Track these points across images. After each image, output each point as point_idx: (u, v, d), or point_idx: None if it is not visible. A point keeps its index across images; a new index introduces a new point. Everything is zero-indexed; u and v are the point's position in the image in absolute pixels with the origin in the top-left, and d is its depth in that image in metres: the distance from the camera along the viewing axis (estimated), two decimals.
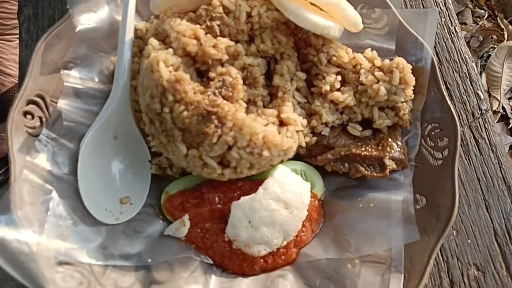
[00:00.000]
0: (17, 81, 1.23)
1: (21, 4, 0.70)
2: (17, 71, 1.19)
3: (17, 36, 1.19)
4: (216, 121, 0.50)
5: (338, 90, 0.59)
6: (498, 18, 1.86)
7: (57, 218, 0.52)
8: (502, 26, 1.83)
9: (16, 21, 1.14)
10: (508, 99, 1.72)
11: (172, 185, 0.60)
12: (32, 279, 0.47)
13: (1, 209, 0.49)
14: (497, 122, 1.69)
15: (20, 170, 0.52)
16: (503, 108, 1.67)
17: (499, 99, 1.67)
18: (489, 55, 1.73)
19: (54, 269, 0.49)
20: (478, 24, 1.83)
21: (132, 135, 0.60)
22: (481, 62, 1.78)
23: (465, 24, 1.87)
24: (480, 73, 1.74)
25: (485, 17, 1.85)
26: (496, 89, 1.71)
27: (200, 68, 0.54)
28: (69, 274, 0.49)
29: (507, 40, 1.79)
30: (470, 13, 1.89)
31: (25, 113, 0.55)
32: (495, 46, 1.75)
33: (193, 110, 0.50)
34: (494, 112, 1.68)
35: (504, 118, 1.68)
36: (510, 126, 1.66)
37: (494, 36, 1.82)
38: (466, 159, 0.65)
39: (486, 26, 1.81)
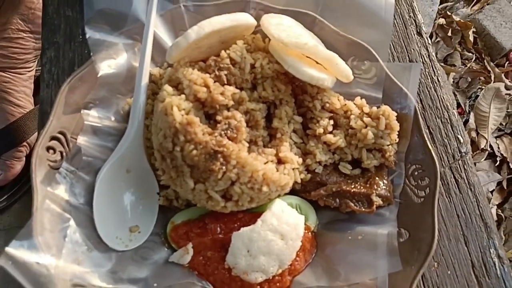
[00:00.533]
0: (25, 112, 1.28)
1: (44, 47, 0.77)
2: (26, 102, 1.26)
3: (29, 69, 1.26)
4: (221, 160, 0.56)
5: (331, 133, 0.65)
6: (485, 61, 1.96)
7: (73, 244, 0.57)
8: (489, 68, 1.93)
9: (28, 56, 1.22)
10: (496, 137, 1.80)
11: (178, 216, 0.66)
12: None
13: (24, 235, 0.54)
14: (484, 159, 1.76)
15: (42, 200, 0.57)
16: (490, 146, 1.75)
17: (487, 138, 1.75)
18: (477, 96, 1.82)
19: None
20: (466, 66, 1.93)
21: (143, 169, 0.66)
22: (469, 102, 1.87)
23: (454, 66, 1.97)
24: (469, 113, 1.83)
25: (473, 60, 1.96)
26: (484, 128, 1.79)
27: (209, 111, 0.60)
28: None
29: (493, 82, 1.88)
30: (459, 55, 1.99)
31: (48, 148, 0.61)
32: (483, 87, 1.84)
33: (201, 149, 0.56)
34: (482, 150, 1.75)
35: (491, 156, 1.76)
36: (497, 163, 1.73)
37: (482, 78, 1.92)
38: (447, 197, 0.71)
39: (474, 68, 1.91)
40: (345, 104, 0.66)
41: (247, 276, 0.60)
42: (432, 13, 1.94)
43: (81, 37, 0.76)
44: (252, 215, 0.63)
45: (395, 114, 0.65)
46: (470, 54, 2.06)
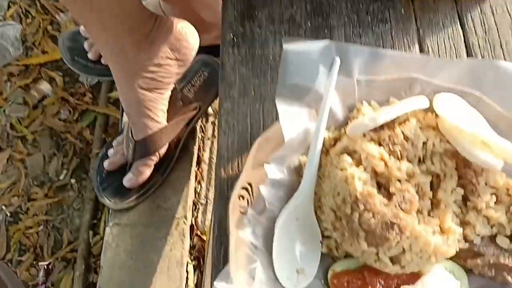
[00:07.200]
0: (161, 127, 1.47)
1: (222, 100, 0.89)
2: (162, 118, 1.43)
3: (168, 90, 1.42)
4: (397, 230, 0.64)
5: (491, 208, 0.70)
6: None
7: (260, 283, 0.68)
8: None
9: (170, 79, 1.38)
10: None
11: (338, 264, 0.74)
12: None
13: (226, 273, 0.66)
14: None
15: (235, 242, 0.69)
16: None
17: None
18: None
19: None
20: None
21: (310, 219, 0.75)
22: None
23: None
24: None
25: None
26: None
27: (380, 181, 0.68)
28: None
29: None
30: None
31: (239, 196, 0.72)
32: None
33: (379, 218, 0.64)
34: None
35: None
36: None
37: None
38: None
39: None
40: (508, 183, 0.70)
41: None
42: None
43: (252, 92, 0.87)
44: (410, 274, 0.70)
45: None
46: None
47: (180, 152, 1.60)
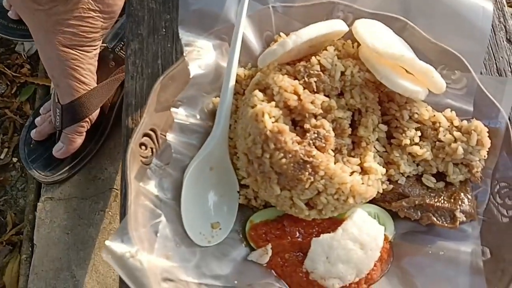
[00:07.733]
0: (89, 89, 1.33)
1: (128, 39, 0.79)
2: (90, 79, 1.30)
3: (95, 47, 1.29)
4: (310, 170, 0.57)
5: (417, 144, 0.64)
6: None
7: (164, 239, 0.60)
8: None
9: (96, 34, 1.25)
10: None
11: (256, 215, 0.67)
12: None
13: (121, 230, 0.57)
14: None
15: (135, 195, 0.60)
16: None
17: None
18: None
19: (160, 285, 0.57)
20: None
21: (225, 167, 0.67)
22: None
23: None
24: None
25: None
26: None
27: (295, 118, 0.61)
28: None
29: None
30: None
31: (141, 145, 0.63)
32: None
33: (290, 158, 0.57)
34: None
35: None
36: None
37: None
38: None
39: None
40: (434, 115, 0.64)
41: (325, 281, 0.61)
42: None
43: (164, 30, 0.77)
44: (331, 221, 0.64)
45: (487, 130, 0.63)
46: None
47: (116, 117, 1.48)
